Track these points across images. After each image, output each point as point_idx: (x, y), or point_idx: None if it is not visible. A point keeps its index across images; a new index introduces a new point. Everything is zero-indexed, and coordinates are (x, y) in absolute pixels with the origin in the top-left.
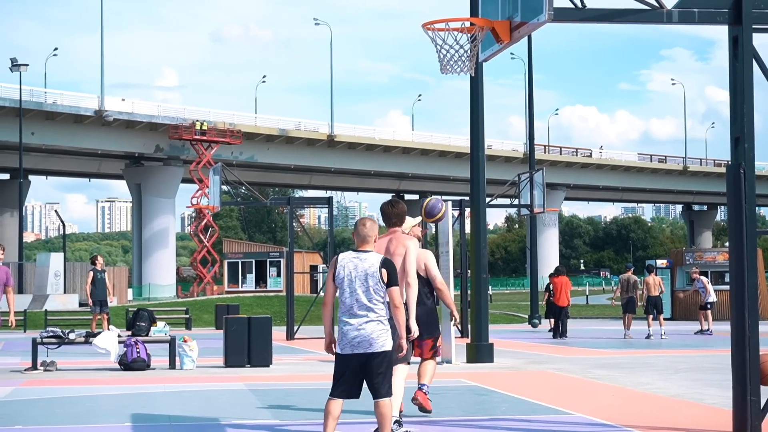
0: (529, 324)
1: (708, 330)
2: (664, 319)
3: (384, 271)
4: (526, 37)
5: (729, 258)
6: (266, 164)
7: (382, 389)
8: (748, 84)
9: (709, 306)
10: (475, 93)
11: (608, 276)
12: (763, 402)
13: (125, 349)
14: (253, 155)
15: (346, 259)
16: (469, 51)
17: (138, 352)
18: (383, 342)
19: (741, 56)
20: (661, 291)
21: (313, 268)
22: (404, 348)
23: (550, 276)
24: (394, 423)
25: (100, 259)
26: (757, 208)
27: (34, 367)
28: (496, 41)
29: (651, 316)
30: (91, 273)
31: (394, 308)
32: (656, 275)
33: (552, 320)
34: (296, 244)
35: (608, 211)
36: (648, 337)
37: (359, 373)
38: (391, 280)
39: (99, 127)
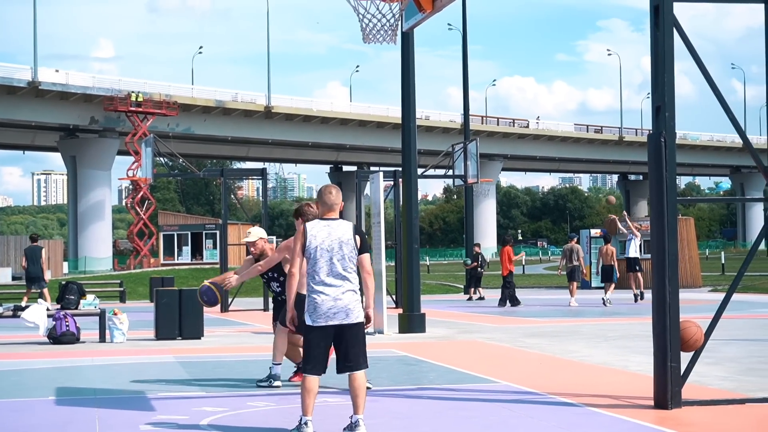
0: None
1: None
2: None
3: (357, 238)
4: (461, 7)
5: (650, 226)
6: (203, 136)
7: (360, 361)
8: (668, 53)
9: (638, 268)
10: (405, 62)
11: (545, 246)
12: (683, 368)
13: (54, 322)
14: (190, 127)
15: (316, 227)
16: (391, 20)
17: (67, 326)
18: (358, 312)
19: (662, 25)
20: (613, 259)
21: None
22: (371, 318)
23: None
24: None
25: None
26: (691, 177)
27: None
28: (419, 10)
29: (609, 283)
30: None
31: (366, 275)
32: (611, 245)
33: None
34: (234, 216)
35: (545, 182)
36: (605, 303)
37: (329, 346)
38: (363, 247)
39: (33, 98)
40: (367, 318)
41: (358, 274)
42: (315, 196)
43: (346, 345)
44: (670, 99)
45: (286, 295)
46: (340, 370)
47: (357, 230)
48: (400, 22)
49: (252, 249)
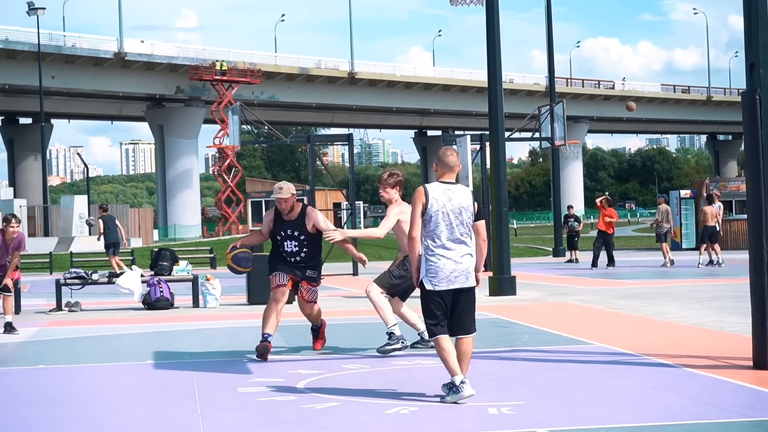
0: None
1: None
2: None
3: (476, 204)
4: None
5: (746, 185)
6: (287, 103)
7: (472, 325)
8: (762, 8)
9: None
10: (491, 25)
11: (633, 208)
12: None
13: (148, 288)
14: (274, 94)
15: (437, 191)
16: None
17: (161, 292)
18: (473, 277)
19: None
20: (717, 221)
21: (337, 206)
22: (480, 281)
23: None
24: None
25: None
26: None
27: (59, 307)
28: None
29: (704, 246)
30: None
31: (482, 241)
32: (714, 206)
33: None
34: (319, 182)
35: (632, 143)
36: (699, 265)
37: (449, 308)
38: (480, 213)
39: (119, 69)
40: (477, 281)
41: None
42: (399, 161)
43: (461, 309)
44: (765, 55)
45: (410, 258)
46: (452, 333)
47: (475, 196)
48: None
49: (283, 205)
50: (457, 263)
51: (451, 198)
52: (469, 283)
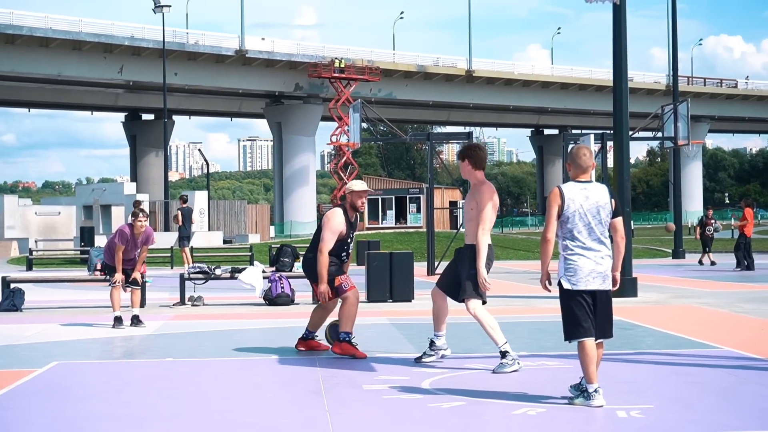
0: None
1: None
2: None
3: (614, 201)
4: None
5: None
6: (405, 101)
7: (610, 329)
8: None
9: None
10: (617, 23)
11: (754, 209)
12: None
13: (270, 284)
14: (392, 92)
15: (573, 191)
16: None
17: (282, 288)
18: (610, 279)
19: None
20: None
21: (453, 204)
22: (618, 282)
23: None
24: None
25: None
26: None
27: (182, 302)
28: None
29: None
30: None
31: (620, 239)
32: None
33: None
34: (436, 180)
35: (754, 143)
36: None
37: (590, 309)
38: (617, 211)
39: (240, 66)
40: (614, 281)
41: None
42: (515, 159)
43: (602, 311)
44: None
45: (543, 260)
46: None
47: (612, 193)
48: None
49: (364, 200)
50: (597, 263)
51: (588, 197)
52: (606, 285)
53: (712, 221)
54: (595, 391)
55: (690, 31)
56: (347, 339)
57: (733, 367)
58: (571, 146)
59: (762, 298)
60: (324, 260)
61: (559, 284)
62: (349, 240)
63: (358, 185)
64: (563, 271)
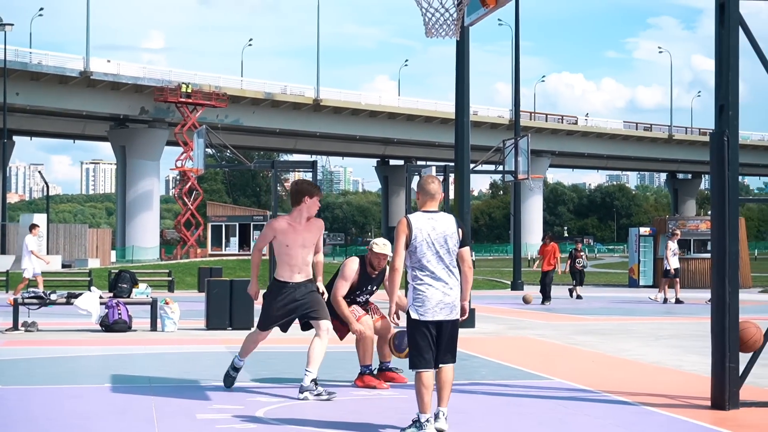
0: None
1: (669, 299)
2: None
3: (461, 231)
4: (513, 3)
5: (711, 225)
6: (252, 128)
7: (455, 355)
8: (733, 52)
9: (667, 274)
10: (460, 58)
11: (592, 243)
12: (741, 369)
13: (107, 310)
14: (239, 118)
15: (420, 220)
16: (454, 15)
17: (119, 314)
18: (458, 309)
19: (727, 23)
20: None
21: None
22: (467, 312)
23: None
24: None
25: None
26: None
27: (15, 327)
28: (482, 5)
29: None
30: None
31: (467, 269)
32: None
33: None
34: (280, 208)
35: (593, 179)
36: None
37: (433, 340)
38: (464, 240)
39: (84, 88)
40: (463, 310)
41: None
42: (360, 189)
43: (446, 340)
44: (734, 98)
45: (390, 291)
46: (435, 363)
47: (459, 223)
48: (462, 17)
49: (381, 263)
50: (444, 294)
51: (435, 227)
52: (453, 315)
53: (582, 254)
54: (427, 420)
55: (534, 68)
56: (366, 372)
57: (565, 398)
58: (417, 176)
59: (594, 331)
60: (340, 303)
61: (407, 313)
62: (364, 289)
63: (378, 246)
64: (411, 300)
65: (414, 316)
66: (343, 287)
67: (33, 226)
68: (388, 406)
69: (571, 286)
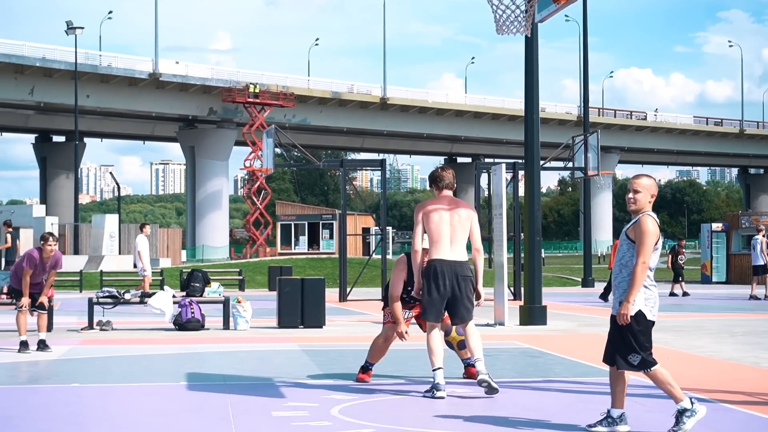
0: None
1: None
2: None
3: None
4: None
5: None
6: (319, 127)
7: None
8: None
9: (758, 271)
10: (529, 54)
11: (663, 240)
12: None
13: (180, 309)
14: (306, 118)
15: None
16: (525, 11)
17: (192, 313)
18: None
19: None
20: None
21: (366, 230)
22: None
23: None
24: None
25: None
26: None
27: (90, 326)
28: (553, 1)
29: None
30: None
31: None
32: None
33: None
34: (349, 207)
35: (663, 175)
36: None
37: None
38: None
39: (153, 89)
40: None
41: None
42: (427, 187)
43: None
44: None
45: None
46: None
47: None
48: (533, 13)
49: None
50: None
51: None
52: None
53: (684, 251)
54: (693, 403)
55: (601, 64)
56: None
57: (640, 396)
58: (485, 174)
59: (666, 328)
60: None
61: (640, 314)
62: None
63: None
64: (644, 300)
65: (650, 317)
66: (397, 289)
67: (143, 226)
68: (463, 403)
69: (672, 285)
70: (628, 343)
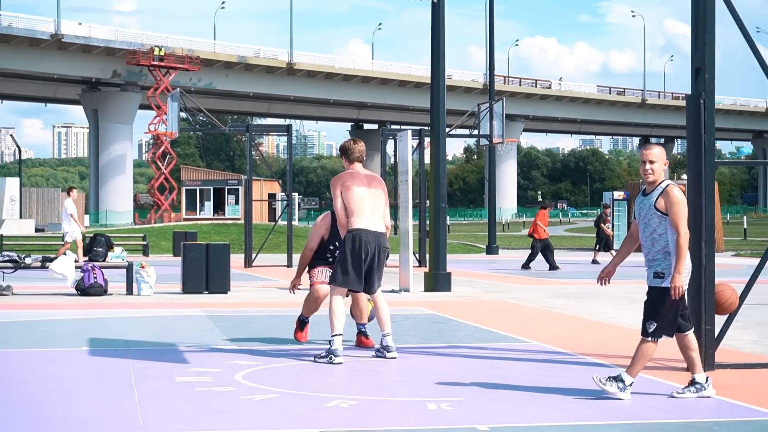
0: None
1: None
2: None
3: None
4: None
5: (686, 188)
6: (225, 91)
7: None
8: (710, 13)
9: None
10: (436, 21)
11: (566, 208)
12: (717, 331)
13: (82, 274)
14: (212, 82)
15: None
16: None
17: (95, 278)
18: None
19: None
20: None
21: (272, 196)
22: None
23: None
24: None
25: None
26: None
27: None
28: None
29: None
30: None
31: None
32: None
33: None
34: (254, 172)
35: (566, 143)
36: None
37: None
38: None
39: (55, 51)
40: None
41: None
42: (334, 153)
43: None
44: (710, 60)
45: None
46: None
47: None
48: None
49: None
50: None
51: None
52: None
53: (610, 218)
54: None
55: (507, 32)
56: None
57: (541, 361)
58: (391, 140)
59: (568, 294)
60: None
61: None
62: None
63: None
64: (688, 272)
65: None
66: (313, 240)
67: (70, 189)
68: (369, 369)
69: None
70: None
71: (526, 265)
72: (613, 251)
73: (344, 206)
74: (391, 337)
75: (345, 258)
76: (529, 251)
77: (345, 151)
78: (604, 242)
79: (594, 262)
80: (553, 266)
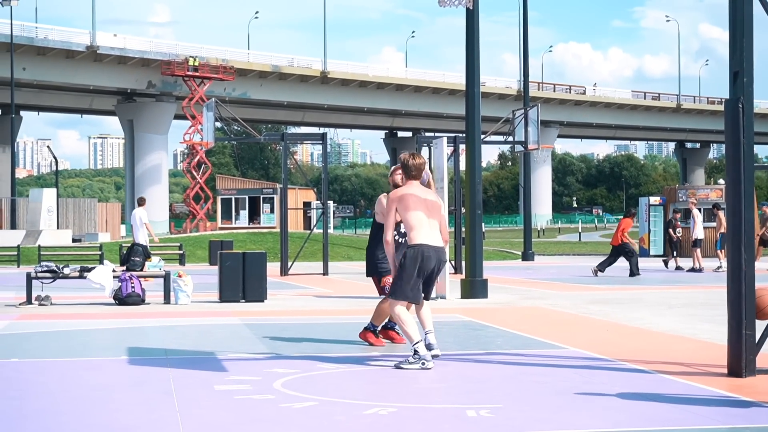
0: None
1: (699, 268)
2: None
3: None
4: None
5: (725, 193)
6: (259, 101)
7: None
8: (748, 17)
9: (698, 244)
10: (470, 27)
11: (601, 213)
12: (757, 336)
13: (120, 284)
14: (246, 92)
15: None
16: None
17: (132, 287)
18: None
19: None
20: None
21: (307, 205)
22: None
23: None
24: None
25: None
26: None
27: (29, 301)
28: None
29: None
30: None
31: None
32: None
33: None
34: (289, 181)
35: (601, 149)
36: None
37: None
38: None
39: (91, 62)
40: None
41: None
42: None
43: None
44: (749, 64)
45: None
46: None
47: None
48: None
49: None
50: None
51: None
52: None
53: (680, 224)
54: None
55: (541, 38)
56: (371, 329)
57: (580, 367)
58: (425, 148)
59: (606, 300)
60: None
61: None
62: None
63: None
64: None
65: None
66: (389, 233)
67: (142, 199)
68: (409, 377)
69: (668, 257)
70: None
71: (632, 273)
72: (672, 257)
73: (395, 221)
74: (433, 335)
75: (407, 273)
76: (628, 258)
77: (404, 167)
78: (674, 245)
79: (678, 268)
80: (633, 272)
